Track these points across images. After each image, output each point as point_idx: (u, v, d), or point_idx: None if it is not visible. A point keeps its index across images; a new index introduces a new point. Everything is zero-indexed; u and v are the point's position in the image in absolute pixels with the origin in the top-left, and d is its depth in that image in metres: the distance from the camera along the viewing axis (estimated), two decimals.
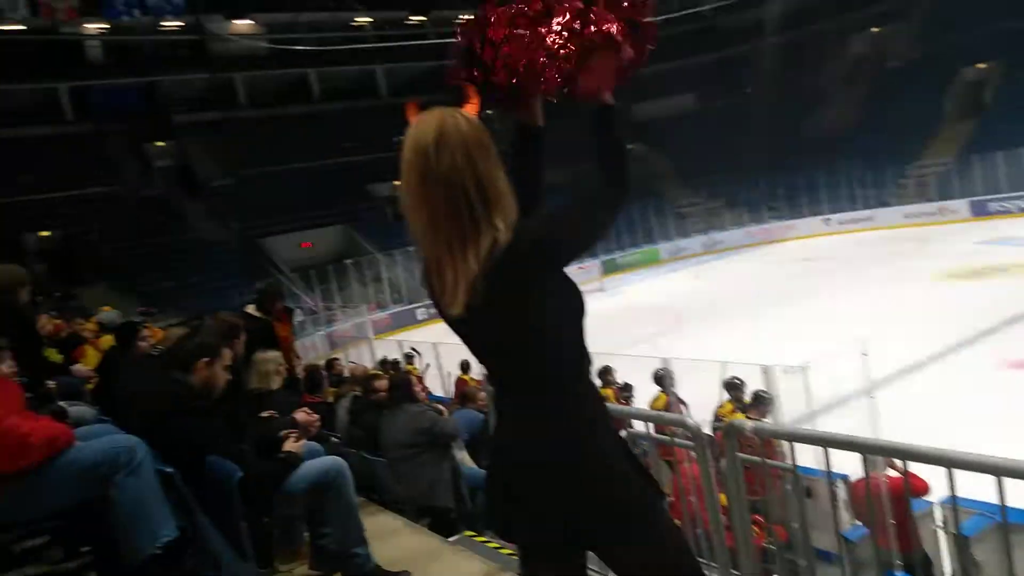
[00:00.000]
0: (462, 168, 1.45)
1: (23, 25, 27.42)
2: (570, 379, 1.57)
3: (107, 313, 5.38)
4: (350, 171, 29.35)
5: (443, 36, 32.54)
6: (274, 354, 4.83)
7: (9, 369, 3.07)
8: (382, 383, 6.20)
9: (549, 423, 1.54)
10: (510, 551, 3.73)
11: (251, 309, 5.30)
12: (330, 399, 6.99)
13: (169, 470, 2.69)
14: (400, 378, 6.26)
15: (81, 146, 26.67)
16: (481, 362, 1.65)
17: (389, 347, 14.96)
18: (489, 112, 1.66)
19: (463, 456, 5.38)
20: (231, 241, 25.36)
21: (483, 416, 6.11)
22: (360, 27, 35.23)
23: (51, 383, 3.98)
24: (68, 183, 25.01)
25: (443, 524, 4.60)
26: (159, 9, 29.58)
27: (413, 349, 13.01)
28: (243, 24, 32.17)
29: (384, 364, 11.49)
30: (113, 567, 2.62)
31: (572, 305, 1.57)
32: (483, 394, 6.79)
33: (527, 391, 1.57)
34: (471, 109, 1.58)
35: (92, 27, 29.44)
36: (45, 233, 21.76)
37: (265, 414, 4.11)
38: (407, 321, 22.39)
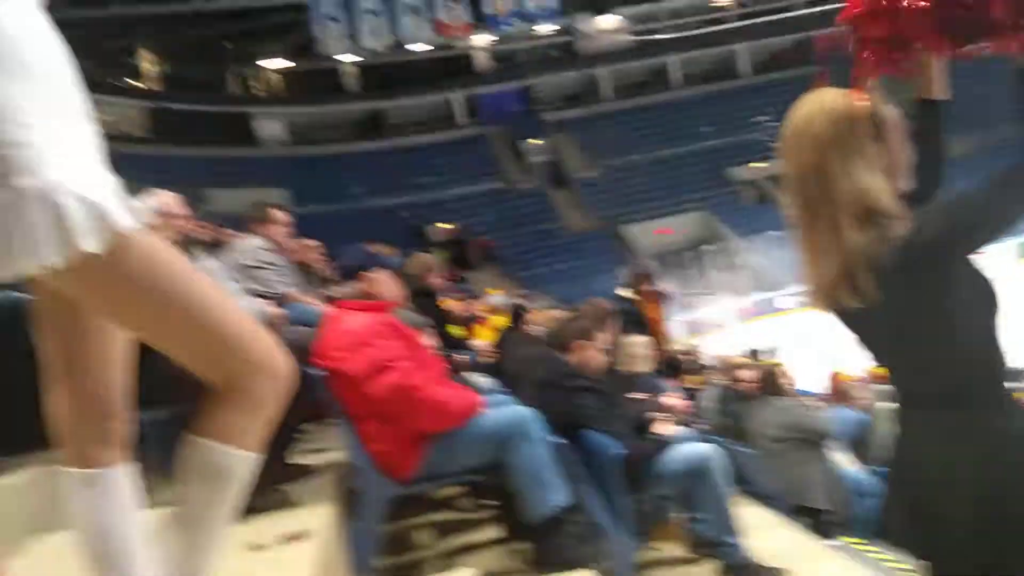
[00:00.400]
0: (813, 166, 1.38)
1: (428, 45, 32.22)
2: (983, 385, 1.37)
3: (497, 295, 6.08)
4: (708, 156, 29.02)
5: (808, 6, 30.49)
6: (642, 338, 5.01)
7: (430, 344, 3.62)
8: (747, 373, 6.06)
9: (962, 439, 1.36)
10: (897, 564, 3.39)
11: (623, 291, 5.55)
12: (692, 385, 7.02)
13: (558, 441, 2.94)
14: (766, 369, 6.06)
15: (471, 148, 30.41)
16: (877, 363, 1.53)
17: (751, 336, 14.51)
18: (885, 83, 1.52)
19: (842, 458, 5.01)
20: (596, 230, 26.74)
21: (864, 416, 5.63)
22: (720, 8, 34.54)
23: (456, 356, 4.60)
24: (461, 181, 28.76)
25: (818, 526, 4.35)
26: (537, 16, 32.49)
27: (774, 341, 12.45)
28: (609, 20, 33.59)
29: (748, 353, 11.17)
30: (514, 523, 2.97)
31: (982, 300, 1.37)
32: (862, 392, 6.25)
33: (932, 398, 1.40)
34: (857, 87, 1.44)
35: (480, 40, 33.27)
36: (444, 225, 25.25)
37: (636, 395, 4.28)
38: (770, 309, 21.45)
